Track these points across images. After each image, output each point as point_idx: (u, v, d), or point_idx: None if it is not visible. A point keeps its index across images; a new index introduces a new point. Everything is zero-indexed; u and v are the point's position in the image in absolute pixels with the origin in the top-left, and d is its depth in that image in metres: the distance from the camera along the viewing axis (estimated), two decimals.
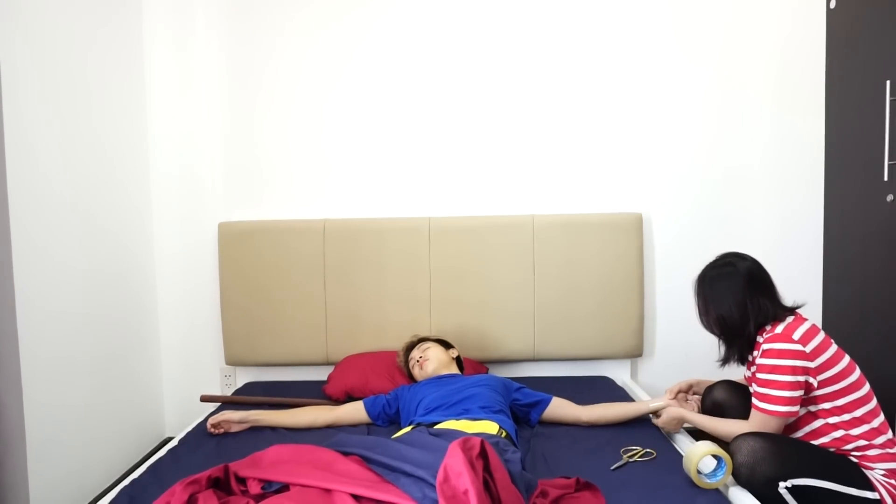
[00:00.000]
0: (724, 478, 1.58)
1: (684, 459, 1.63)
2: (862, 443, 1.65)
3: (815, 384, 1.66)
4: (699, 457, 1.58)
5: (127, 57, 2.58)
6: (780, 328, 1.71)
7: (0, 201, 1.84)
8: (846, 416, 1.66)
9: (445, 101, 2.73)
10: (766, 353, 1.70)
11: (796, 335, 1.67)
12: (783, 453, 1.60)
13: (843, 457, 1.65)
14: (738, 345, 1.81)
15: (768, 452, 1.58)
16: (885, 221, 2.28)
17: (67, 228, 2.15)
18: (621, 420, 2.03)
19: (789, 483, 1.57)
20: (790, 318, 1.74)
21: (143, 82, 2.70)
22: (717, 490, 1.58)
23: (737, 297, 1.77)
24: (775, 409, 1.66)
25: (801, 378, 1.65)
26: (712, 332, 1.87)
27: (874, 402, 1.69)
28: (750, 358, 1.84)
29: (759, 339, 1.77)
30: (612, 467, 1.73)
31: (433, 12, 2.71)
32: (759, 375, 1.70)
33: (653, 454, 1.79)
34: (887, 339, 2.28)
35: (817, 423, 1.70)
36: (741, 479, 1.60)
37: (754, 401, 1.71)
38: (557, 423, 2.07)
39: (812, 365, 1.65)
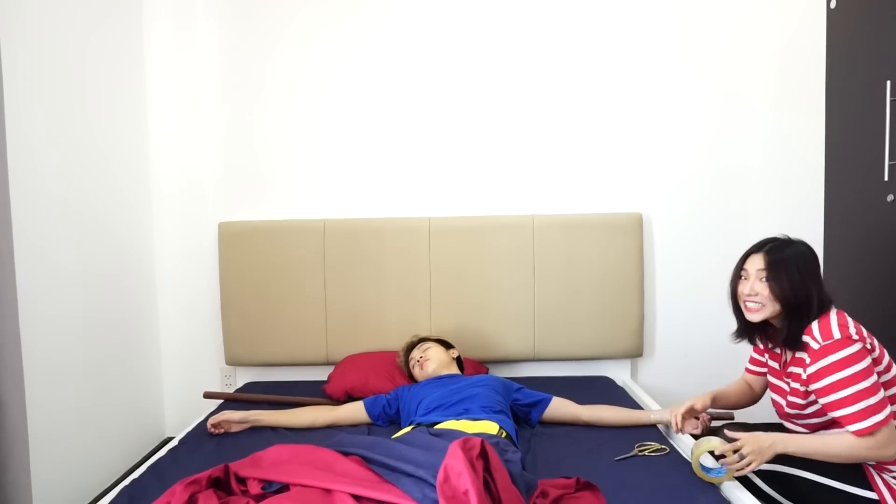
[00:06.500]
0: (725, 477, 1.59)
1: (691, 449, 1.66)
2: None
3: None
4: (704, 450, 1.61)
5: (127, 57, 2.58)
6: (835, 332, 1.55)
7: (2, 203, 1.84)
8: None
9: (445, 101, 2.73)
10: (836, 365, 1.52)
11: (854, 334, 1.55)
12: None
13: None
14: (799, 325, 1.63)
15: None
16: (885, 221, 2.28)
17: (68, 229, 2.15)
18: (621, 425, 2.03)
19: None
20: (834, 316, 1.60)
21: (143, 82, 2.70)
22: (718, 490, 1.59)
23: (808, 276, 1.63)
24: (880, 420, 1.48)
25: (875, 377, 1.52)
26: (767, 312, 1.66)
27: None
28: (787, 356, 1.71)
29: (808, 339, 1.61)
30: (617, 458, 1.75)
31: (433, 13, 2.71)
32: (839, 393, 1.51)
33: (665, 450, 1.81)
34: (888, 339, 2.28)
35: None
36: None
37: (851, 426, 1.50)
38: (557, 423, 2.07)
39: (876, 356, 1.55)
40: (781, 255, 1.65)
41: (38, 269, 1.98)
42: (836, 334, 1.55)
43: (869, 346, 1.56)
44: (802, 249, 1.68)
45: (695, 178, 2.76)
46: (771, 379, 1.81)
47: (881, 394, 1.52)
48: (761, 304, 1.66)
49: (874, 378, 1.52)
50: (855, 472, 1.60)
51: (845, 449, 1.53)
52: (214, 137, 2.74)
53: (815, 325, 1.61)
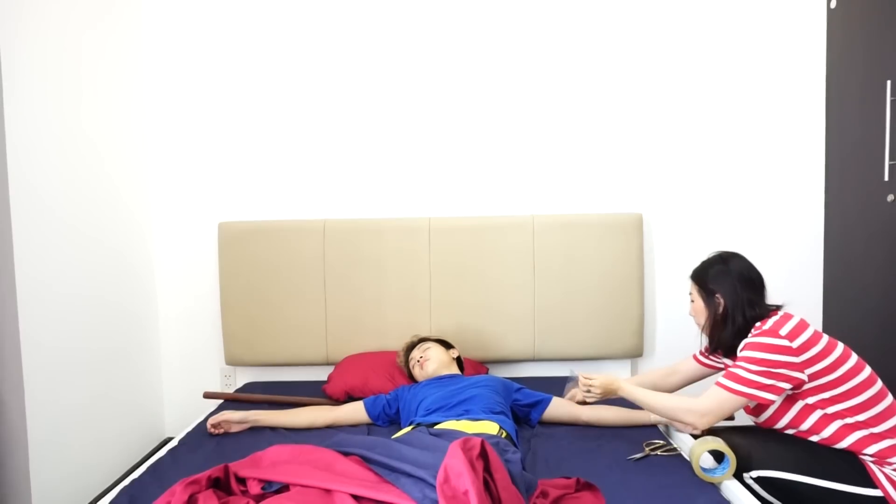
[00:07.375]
0: (726, 475, 1.60)
1: (690, 449, 1.67)
2: (888, 442, 1.60)
3: (806, 378, 1.61)
4: (703, 450, 1.62)
5: (127, 57, 2.58)
6: (768, 324, 1.68)
7: (2, 203, 1.84)
8: (863, 416, 1.61)
9: (445, 101, 2.73)
10: (749, 346, 1.67)
11: (783, 331, 1.63)
12: (752, 447, 1.69)
13: (837, 452, 1.64)
14: (724, 336, 1.80)
15: (739, 447, 1.68)
16: (885, 221, 2.28)
17: (68, 228, 2.15)
18: (620, 425, 2.03)
19: (754, 474, 1.65)
20: (777, 316, 1.70)
21: (142, 82, 2.70)
22: (718, 490, 1.59)
23: (727, 293, 1.78)
24: (736, 388, 1.63)
25: (780, 371, 1.60)
26: (699, 324, 1.89)
27: (890, 399, 1.64)
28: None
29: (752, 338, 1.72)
30: (630, 458, 1.76)
31: (433, 13, 2.71)
32: (736, 362, 1.68)
33: (674, 449, 1.81)
34: (888, 339, 2.28)
35: (835, 425, 1.63)
36: None
37: (719, 378, 1.68)
38: (557, 424, 2.07)
39: (798, 360, 1.60)
40: (698, 276, 1.88)
41: (37, 268, 1.98)
42: (767, 327, 1.67)
43: (795, 347, 1.61)
44: (725, 266, 1.82)
45: (694, 179, 2.76)
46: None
47: (761, 381, 1.60)
48: (698, 322, 1.90)
49: (769, 370, 1.60)
50: (855, 471, 1.60)
51: (669, 406, 1.76)
52: (214, 137, 2.74)
53: (758, 323, 1.73)
